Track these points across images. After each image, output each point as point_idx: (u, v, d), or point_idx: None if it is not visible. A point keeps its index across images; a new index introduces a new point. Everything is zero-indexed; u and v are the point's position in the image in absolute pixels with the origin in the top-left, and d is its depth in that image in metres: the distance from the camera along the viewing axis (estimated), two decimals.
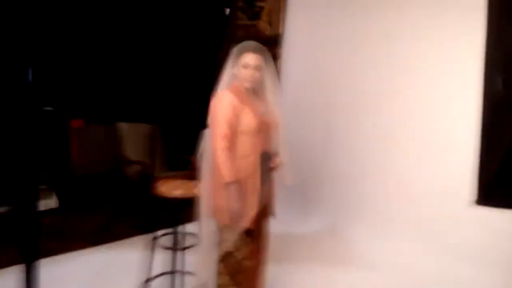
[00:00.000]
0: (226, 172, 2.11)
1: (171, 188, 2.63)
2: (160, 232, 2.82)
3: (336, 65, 3.70)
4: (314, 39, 3.85)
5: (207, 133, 2.28)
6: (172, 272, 2.69)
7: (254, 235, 2.29)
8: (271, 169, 2.29)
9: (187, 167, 3.74)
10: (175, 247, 2.68)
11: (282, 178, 2.35)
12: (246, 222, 2.19)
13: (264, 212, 2.32)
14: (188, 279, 2.66)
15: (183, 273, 2.68)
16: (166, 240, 2.79)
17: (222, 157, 2.10)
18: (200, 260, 2.45)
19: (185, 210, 2.66)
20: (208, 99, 2.22)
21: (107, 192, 4.47)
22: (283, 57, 3.95)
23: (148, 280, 2.73)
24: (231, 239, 2.22)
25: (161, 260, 2.74)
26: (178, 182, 2.75)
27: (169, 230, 2.80)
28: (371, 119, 3.45)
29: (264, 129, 2.22)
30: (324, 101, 3.76)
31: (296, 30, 4.02)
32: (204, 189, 2.30)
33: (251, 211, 2.19)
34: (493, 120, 1.47)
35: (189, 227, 2.79)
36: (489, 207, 1.58)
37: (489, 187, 1.50)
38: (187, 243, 2.73)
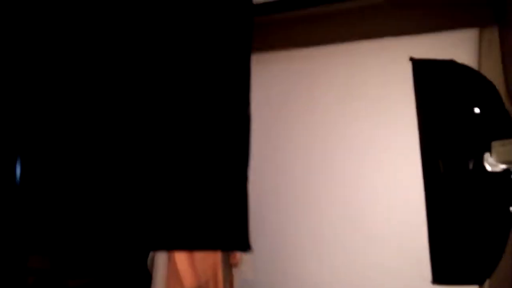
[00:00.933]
0: (188, 279, 1.93)
1: None
2: None
3: (268, 144, 3.74)
4: None
5: None
6: None
7: None
8: (231, 266, 2.16)
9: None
10: None
11: (243, 273, 2.23)
12: None
13: None
14: None
15: None
16: None
17: (182, 262, 1.93)
18: None
19: None
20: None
21: None
22: None
23: None
24: None
25: None
26: None
27: None
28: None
29: None
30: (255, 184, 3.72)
31: None
32: None
33: None
34: (436, 200, 1.58)
35: None
36: (445, 285, 1.66)
37: (442, 267, 1.58)
38: None
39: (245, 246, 0.70)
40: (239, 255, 2.15)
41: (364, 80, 3.14)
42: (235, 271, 2.19)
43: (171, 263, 1.96)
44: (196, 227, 0.69)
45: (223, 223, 0.69)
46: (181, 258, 1.91)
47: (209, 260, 1.99)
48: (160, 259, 2.03)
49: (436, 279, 1.63)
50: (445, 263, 1.67)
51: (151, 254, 2.08)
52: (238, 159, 0.71)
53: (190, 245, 0.71)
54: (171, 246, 0.69)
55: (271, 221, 3.68)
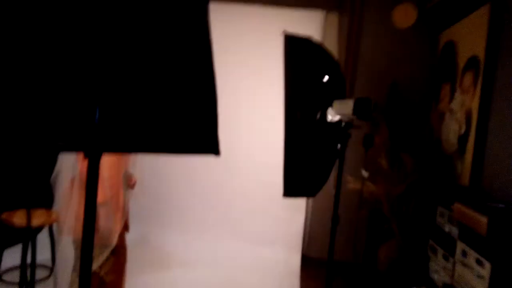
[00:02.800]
0: (98, 194, 2.21)
1: (26, 218, 2.47)
2: (3, 267, 2.57)
3: None
4: None
5: (62, 154, 2.32)
6: None
7: (115, 250, 2.46)
8: (128, 187, 2.52)
9: None
10: (24, 283, 2.48)
11: (136, 196, 2.61)
12: (114, 239, 2.36)
13: (123, 228, 2.52)
14: None
15: None
16: (12, 275, 2.58)
17: None
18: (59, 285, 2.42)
19: (28, 241, 2.54)
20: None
21: None
22: None
23: None
24: (97, 257, 2.34)
25: None
26: (24, 212, 2.59)
27: (14, 263, 2.61)
28: None
29: None
30: None
31: None
32: (65, 211, 2.31)
33: (117, 229, 2.38)
34: (292, 139, 2.24)
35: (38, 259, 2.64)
36: (293, 197, 2.36)
37: (291, 184, 2.26)
38: (37, 277, 2.59)
39: (216, 150, 0.85)
40: (135, 178, 2.52)
41: (240, 37, 3.69)
42: (130, 192, 2.56)
43: (78, 180, 2.22)
44: (175, 133, 0.83)
45: (198, 130, 0.83)
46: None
47: (114, 180, 2.33)
48: (64, 174, 2.27)
49: (286, 193, 2.28)
50: (293, 182, 2.33)
51: (56, 169, 2.29)
52: (204, 73, 0.83)
53: (170, 149, 0.86)
54: (153, 149, 0.86)
55: (157, 161, 4.15)
